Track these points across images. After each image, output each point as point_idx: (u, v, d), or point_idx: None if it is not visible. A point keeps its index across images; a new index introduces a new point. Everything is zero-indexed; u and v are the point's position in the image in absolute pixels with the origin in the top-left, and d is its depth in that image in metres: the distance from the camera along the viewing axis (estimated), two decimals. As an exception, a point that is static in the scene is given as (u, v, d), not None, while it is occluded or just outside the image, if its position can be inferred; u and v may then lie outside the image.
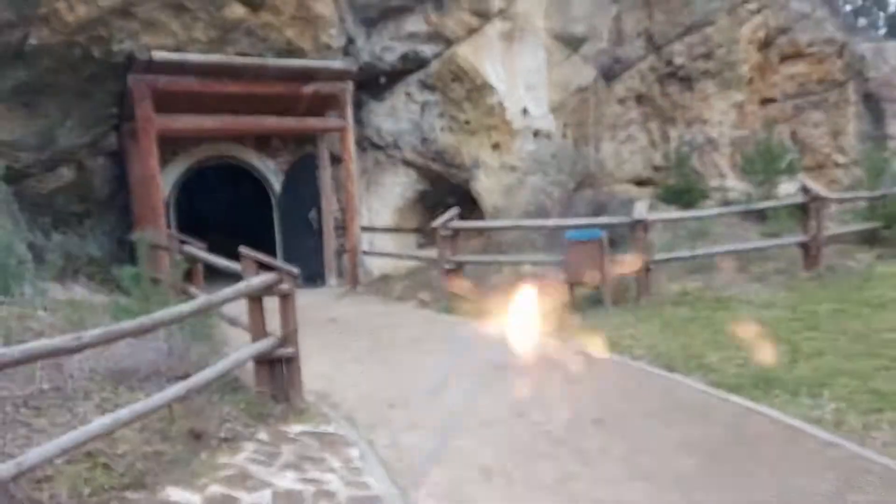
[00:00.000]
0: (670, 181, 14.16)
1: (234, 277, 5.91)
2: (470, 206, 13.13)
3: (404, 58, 12.82)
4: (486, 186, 13.57)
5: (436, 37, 12.78)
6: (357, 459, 4.55)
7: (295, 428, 5.06)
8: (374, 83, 13.13)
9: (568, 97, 14.20)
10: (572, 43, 14.06)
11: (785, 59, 15.30)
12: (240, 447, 4.44)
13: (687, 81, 14.66)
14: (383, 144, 13.54)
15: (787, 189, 12.98)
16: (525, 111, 13.65)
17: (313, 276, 12.74)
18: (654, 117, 14.94)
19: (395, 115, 13.36)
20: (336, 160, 12.96)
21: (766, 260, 10.49)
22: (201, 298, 5.03)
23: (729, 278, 9.84)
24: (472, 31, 12.99)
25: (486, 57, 13.19)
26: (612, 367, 6.59)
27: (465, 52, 13.01)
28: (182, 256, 8.44)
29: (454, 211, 10.80)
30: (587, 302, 9.27)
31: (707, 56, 14.61)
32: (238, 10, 10.74)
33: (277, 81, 11.26)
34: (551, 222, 11.38)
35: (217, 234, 12.94)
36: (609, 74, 14.62)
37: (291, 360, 5.47)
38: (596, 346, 7.31)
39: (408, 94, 13.28)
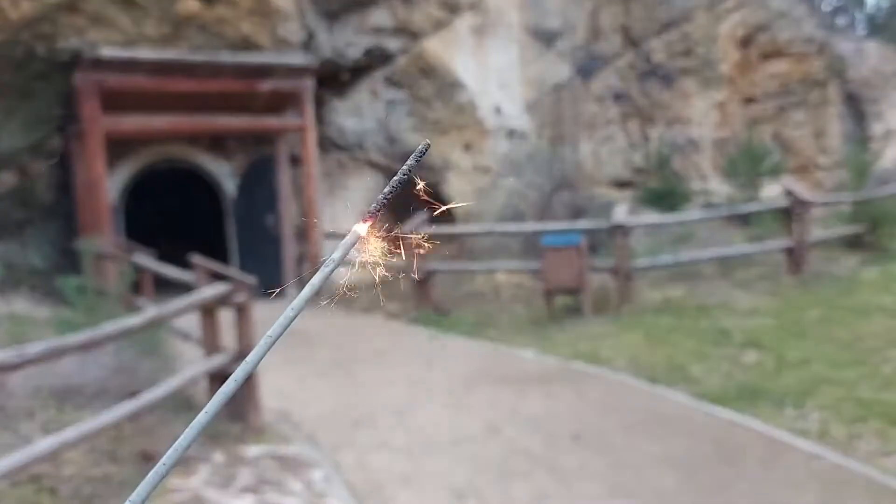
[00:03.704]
0: (651, 183, 14.26)
1: (187, 289, 5.85)
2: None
3: (369, 53, 12.83)
4: (458, 189, 13.61)
5: (402, 31, 12.81)
6: (320, 482, 4.53)
7: (253, 449, 5.03)
8: (336, 80, 13.12)
9: (543, 95, 14.30)
10: (546, 38, 14.18)
11: (765, 57, 15.59)
12: (194, 469, 4.40)
13: (666, 79, 14.82)
14: (347, 145, 13.52)
15: (771, 191, 13.21)
16: (498, 110, 13.73)
17: (271, 287, 12.65)
18: (634, 116, 15.09)
19: (359, 113, 13.36)
20: (296, 162, 12.91)
21: (750, 265, 10.67)
22: (151, 311, 4.98)
23: (712, 285, 9.98)
24: (440, 26, 13.04)
25: (456, 52, 13.26)
26: (592, 380, 6.60)
27: (433, 48, 13.06)
28: (130, 266, 8.35)
29: (423, 216, 10.81)
30: (566, 311, 9.35)
31: (686, 53, 14.83)
32: (191, 5, 10.68)
33: (233, 78, 11.21)
34: (527, 227, 11.43)
35: (168, 241, 12.84)
36: (585, 71, 14.75)
37: (249, 378, 5.41)
38: (575, 357, 7.35)
39: (373, 92, 13.29)
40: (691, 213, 11.85)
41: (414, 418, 5.78)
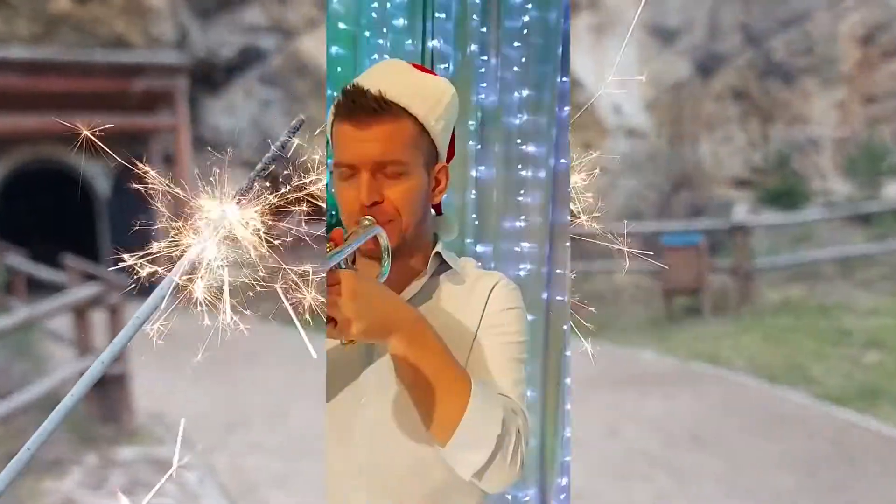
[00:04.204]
0: (770, 183, 13.27)
1: (60, 289, 5.51)
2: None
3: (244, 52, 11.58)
4: (575, 188, 11.96)
5: (276, 29, 11.36)
6: (194, 484, 4.08)
7: (126, 451, 4.69)
8: (210, 79, 11.87)
9: (661, 94, 13.49)
10: (666, 36, 13.36)
11: (886, 56, 14.22)
12: (66, 472, 4.03)
13: (787, 78, 13.82)
14: (221, 144, 11.80)
15: (892, 191, 12.27)
16: (617, 109, 12.83)
17: (150, 288, 10.96)
18: (753, 115, 14.11)
19: (233, 113, 11.88)
20: (169, 161, 11.35)
21: (872, 265, 9.90)
22: (22, 312, 4.82)
23: (832, 285, 9.28)
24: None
25: (575, 50, 11.56)
26: (711, 380, 6.29)
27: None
28: (1, 266, 7.25)
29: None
30: (685, 311, 8.94)
31: (806, 52, 13.99)
32: (63, 3, 10.25)
33: (105, 78, 10.63)
34: (646, 227, 10.39)
35: (42, 241, 11.38)
36: (705, 70, 13.64)
37: (122, 379, 4.95)
38: (693, 357, 6.93)
39: (247, 91, 11.85)
40: (811, 213, 11.18)
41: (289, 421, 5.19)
